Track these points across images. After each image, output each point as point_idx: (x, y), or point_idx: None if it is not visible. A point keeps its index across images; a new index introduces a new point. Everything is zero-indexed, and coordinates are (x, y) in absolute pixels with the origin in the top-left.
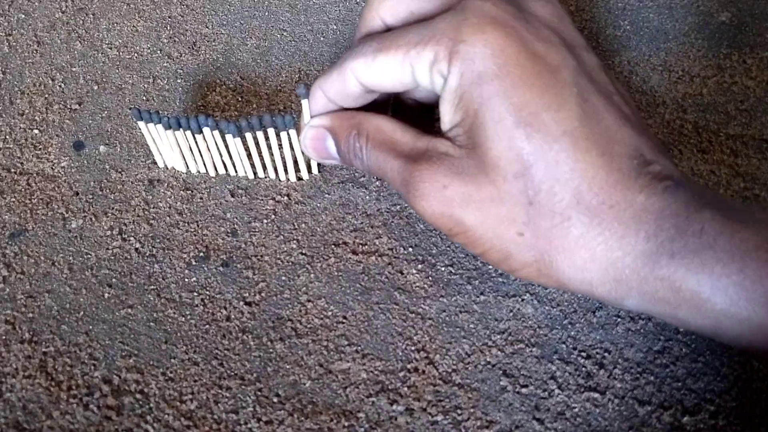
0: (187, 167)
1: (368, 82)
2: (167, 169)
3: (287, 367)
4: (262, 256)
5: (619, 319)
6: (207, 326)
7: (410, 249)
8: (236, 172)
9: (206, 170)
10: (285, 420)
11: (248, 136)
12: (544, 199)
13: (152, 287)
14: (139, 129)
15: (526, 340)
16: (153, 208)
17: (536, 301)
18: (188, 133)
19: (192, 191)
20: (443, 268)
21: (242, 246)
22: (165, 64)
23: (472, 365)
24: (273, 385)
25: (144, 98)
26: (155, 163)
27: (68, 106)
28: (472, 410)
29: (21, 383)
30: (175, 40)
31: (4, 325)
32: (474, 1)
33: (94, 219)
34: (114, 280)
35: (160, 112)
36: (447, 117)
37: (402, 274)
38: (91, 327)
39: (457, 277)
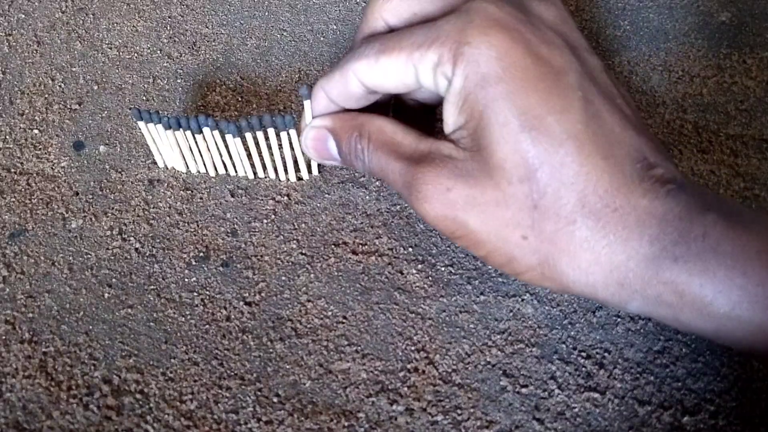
0: (187, 167)
1: (371, 83)
2: (167, 169)
3: (287, 367)
4: (262, 256)
5: (619, 319)
6: (207, 326)
7: (410, 249)
8: (236, 172)
9: (206, 170)
10: (285, 420)
11: (248, 136)
12: (549, 203)
13: (152, 287)
14: (139, 129)
15: (526, 340)
16: (153, 208)
17: (536, 301)
18: (188, 133)
19: (192, 191)
20: (443, 268)
21: (242, 246)
22: (165, 64)
23: (472, 365)
24: (273, 385)
25: (144, 98)
26: (155, 163)
27: (68, 106)
28: (472, 410)
29: (21, 383)
30: (175, 40)
31: (4, 325)
32: (478, 3)
33: (94, 219)
34: (114, 280)
35: (160, 112)
36: (450, 119)
37: (402, 274)
38: (91, 327)
39: (457, 277)
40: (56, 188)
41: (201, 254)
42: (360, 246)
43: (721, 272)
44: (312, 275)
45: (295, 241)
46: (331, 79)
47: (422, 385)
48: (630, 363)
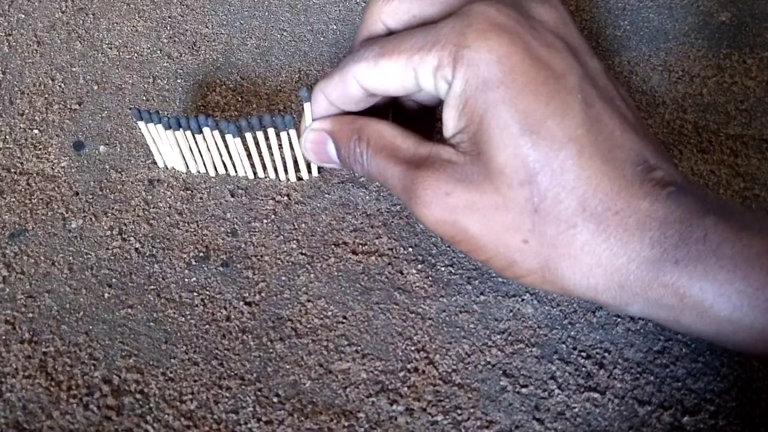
0: (187, 167)
1: (370, 86)
2: (167, 169)
3: (287, 367)
4: (262, 256)
5: (619, 319)
6: (207, 326)
7: (410, 249)
8: (236, 172)
9: (206, 170)
10: (285, 420)
11: (248, 136)
12: (550, 207)
13: (152, 287)
14: (139, 129)
15: (526, 340)
16: (153, 208)
17: (536, 301)
18: (188, 133)
19: (192, 191)
20: (443, 268)
21: (242, 246)
22: (165, 64)
23: (472, 365)
24: (273, 385)
25: (144, 98)
26: (155, 163)
27: (68, 106)
28: (472, 410)
29: (21, 383)
30: (175, 40)
31: (4, 325)
32: (478, 6)
33: (94, 219)
34: (114, 280)
35: (160, 112)
36: (451, 123)
37: (402, 274)
38: (91, 327)
39: (457, 277)
40: (56, 188)
41: (201, 254)
42: (360, 246)
43: (722, 275)
44: (312, 275)
45: (295, 241)
46: (330, 81)
47: (422, 385)
48: (630, 363)
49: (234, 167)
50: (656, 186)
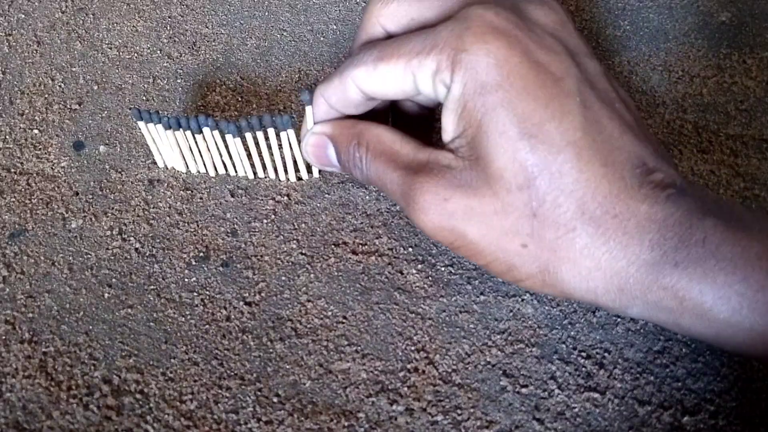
0: (187, 167)
1: (369, 90)
2: (167, 169)
3: (287, 367)
4: (262, 256)
5: (619, 319)
6: (207, 326)
7: (410, 249)
8: (236, 172)
9: (206, 170)
10: (285, 420)
11: (248, 136)
12: (549, 211)
13: (152, 287)
14: (139, 129)
15: (526, 340)
16: (153, 208)
17: (536, 301)
18: (188, 133)
19: (192, 191)
20: (443, 268)
21: (242, 246)
22: (165, 64)
23: (472, 365)
24: (273, 385)
25: (144, 98)
26: (155, 163)
27: (68, 106)
28: (472, 410)
29: (21, 383)
30: (175, 40)
31: (4, 325)
32: (475, 10)
33: (94, 219)
34: (114, 280)
35: (160, 112)
36: (450, 127)
37: (402, 274)
38: (91, 327)
39: (457, 277)
40: (56, 188)
41: (201, 254)
42: (360, 246)
43: (721, 278)
44: (312, 275)
45: (295, 241)
46: (330, 85)
47: (422, 385)
48: (630, 363)
49: (234, 167)
50: (655, 188)
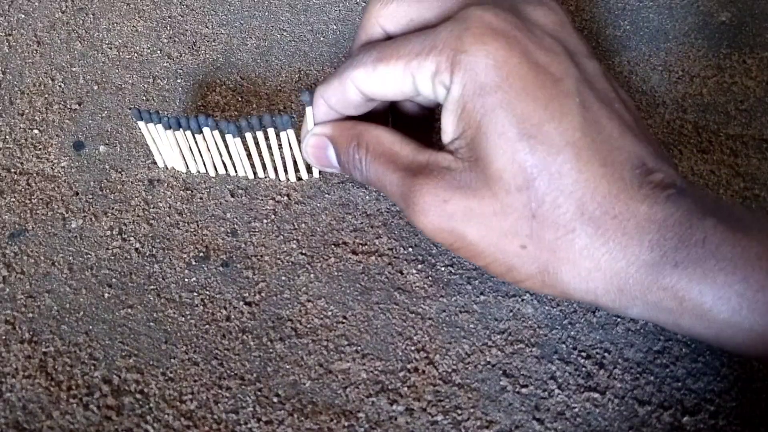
0: (187, 167)
1: (369, 91)
2: (167, 169)
3: (287, 367)
4: (262, 256)
5: (619, 319)
6: (207, 326)
7: (410, 249)
8: (236, 172)
9: (206, 170)
10: (285, 420)
11: (248, 136)
12: (548, 212)
13: (152, 287)
14: (139, 129)
15: (526, 340)
16: (153, 208)
17: (536, 301)
18: (188, 133)
19: (192, 191)
20: (443, 268)
21: (242, 246)
22: (165, 64)
23: (472, 365)
24: (273, 385)
25: (144, 98)
26: (155, 163)
27: (68, 106)
28: (472, 410)
29: (21, 383)
30: (175, 40)
31: (4, 325)
32: (474, 11)
33: (94, 219)
34: (114, 280)
35: (160, 112)
36: (449, 128)
37: (402, 274)
38: (91, 327)
39: (457, 277)
40: (56, 188)
41: (201, 254)
42: (360, 246)
43: (721, 278)
44: (312, 275)
45: (295, 241)
46: (329, 86)
47: (422, 385)
48: (630, 363)
49: (234, 167)
50: (655, 189)
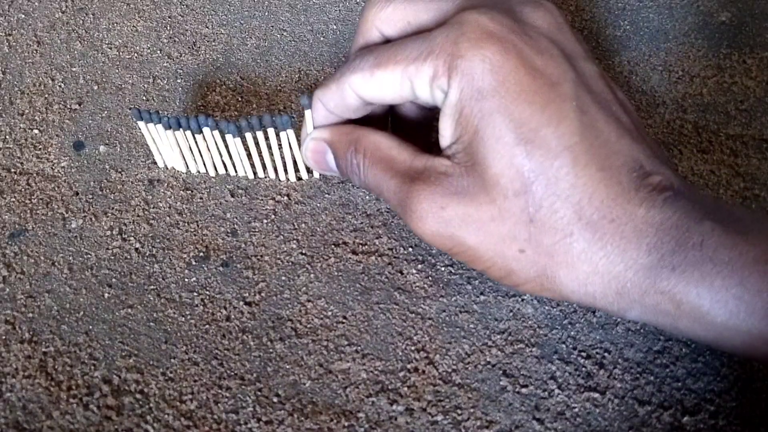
0: (187, 167)
1: (367, 96)
2: (167, 169)
3: (287, 367)
4: (262, 256)
5: (619, 319)
6: (207, 326)
7: (410, 249)
8: (236, 172)
9: (206, 170)
10: (285, 420)
11: (248, 136)
12: (546, 216)
13: (152, 287)
14: (139, 129)
15: (526, 340)
16: (153, 208)
17: (536, 302)
18: (188, 133)
19: (192, 191)
20: (443, 268)
21: (242, 246)
22: (165, 64)
23: (472, 365)
24: (273, 385)
25: (144, 98)
26: (155, 163)
27: (68, 106)
28: (472, 410)
29: (21, 383)
30: (175, 40)
31: (4, 325)
32: (470, 14)
33: (94, 219)
34: (114, 280)
35: (160, 112)
36: (447, 132)
37: (402, 274)
38: (91, 327)
39: (457, 277)
40: (56, 188)
41: (201, 254)
42: (360, 246)
43: (718, 281)
44: (312, 275)
45: (295, 241)
46: (327, 90)
47: (422, 385)
48: (630, 363)
49: (234, 167)
50: (653, 192)
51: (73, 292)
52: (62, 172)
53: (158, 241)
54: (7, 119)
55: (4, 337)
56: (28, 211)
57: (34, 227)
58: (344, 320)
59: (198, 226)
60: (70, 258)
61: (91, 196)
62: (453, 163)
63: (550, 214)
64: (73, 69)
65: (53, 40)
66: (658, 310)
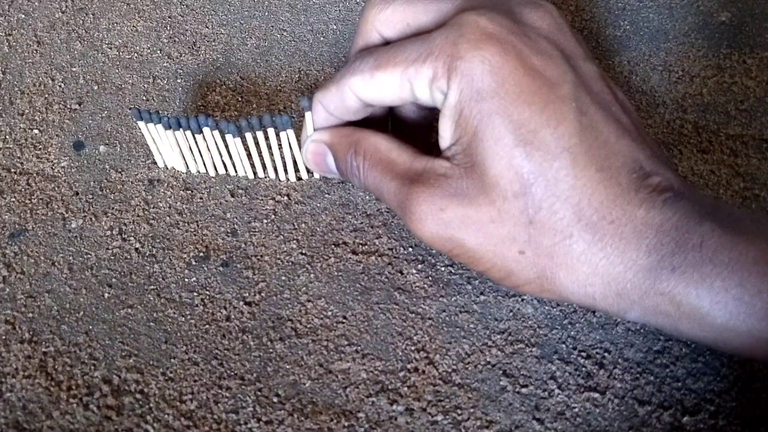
0: (187, 167)
1: (367, 98)
2: (167, 169)
3: (287, 367)
4: (262, 256)
5: (619, 319)
6: (207, 326)
7: (410, 249)
8: (236, 172)
9: (206, 170)
10: (285, 420)
11: (248, 136)
12: (545, 218)
13: (152, 287)
14: (139, 129)
15: (526, 340)
16: (153, 208)
17: (536, 302)
18: (188, 133)
19: (192, 191)
20: (443, 268)
21: (242, 246)
22: (165, 64)
23: (472, 365)
24: (273, 385)
25: (144, 98)
26: (155, 163)
27: (68, 106)
28: (472, 410)
29: (21, 383)
30: (175, 40)
31: (4, 325)
32: (469, 16)
33: (94, 219)
34: (114, 280)
35: (160, 112)
36: (446, 134)
37: (402, 274)
38: (91, 327)
39: (457, 277)
40: (56, 188)
41: (201, 254)
42: (360, 246)
43: (718, 282)
44: (312, 275)
45: (295, 241)
46: (328, 93)
47: (422, 385)
48: (630, 363)
49: (234, 167)
50: (652, 193)
51: (73, 292)
52: (62, 172)
53: (158, 241)
54: (7, 119)
55: (4, 337)
56: (28, 211)
57: (34, 227)
58: (344, 320)
59: (198, 226)
60: (70, 258)
61: (91, 196)
62: (452, 164)
63: (549, 215)
64: (73, 69)
65: (53, 40)
66: (658, 312)
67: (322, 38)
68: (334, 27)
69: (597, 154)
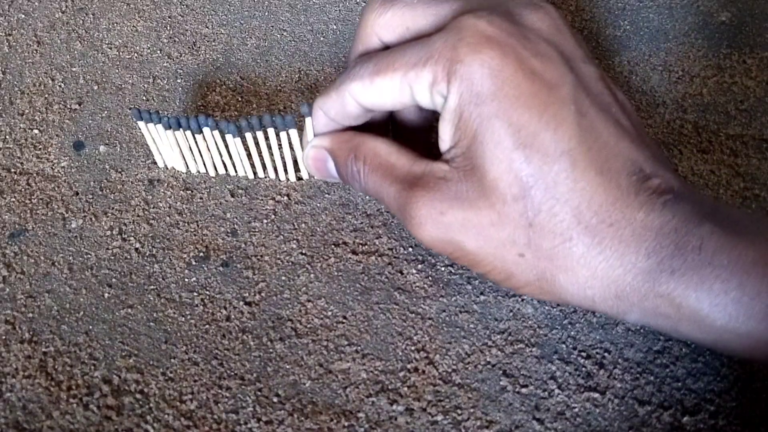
0: (187, 167)
1: (367, 103)
2: (167, 169)
3: (287, 367)
4: (262, 256)
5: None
6: (207, 326)
7: (410, 249)
8: (236, 172)
9: (206, 170)
10: (285, 420)
11: (248, 136)
12: (545, 221)
13: (152, 287)
14: (139, 129)
15: (526, 340)
16: (153, 208)
17: (536, 301)
18: (188, 133)
19: (192, 191)
20: (443, 268)
21: (242, 246)
22: (165, 64)
23: (472, 365)
24: (273, 385)
25: (144, 98)
26: (155, 163)
27: (68, 106)
28: (472, 410)
29: (21, 383)
30: (175, 40)
31: (4, 325)
32: (468, 19)
33: (94, 219)
34: (114, 280)
35: (160, 112)
36: (446, 137)
37: (402, 274)
38: (91, 327)
39: (457, 277)
40: (56, 188)
41: (201, 254)
42: (360, 246)
43: (717, 285)
44: (312, 275)
45: (295, 241)
46: (328, 99)
47: (422, 385)
48: (630, 363)
49: (234, 167)
50: (652, 195)
51: (73, 292)
52: (62, 172)
53: (158, 241)
54: (7, 119)
55: (4, 337)
56: (28, 211)
57: (34, 227)
58: (344, 320)
59: (198, 226)
60: (70, 258)
61: (91, 196)
62: (452, 167)
63: (549, 218)
64: (73, 69)
65: (53, 40)
66: (658, 314)
67: (322, 38)
68: (334, 27)
69: (596, 157)
